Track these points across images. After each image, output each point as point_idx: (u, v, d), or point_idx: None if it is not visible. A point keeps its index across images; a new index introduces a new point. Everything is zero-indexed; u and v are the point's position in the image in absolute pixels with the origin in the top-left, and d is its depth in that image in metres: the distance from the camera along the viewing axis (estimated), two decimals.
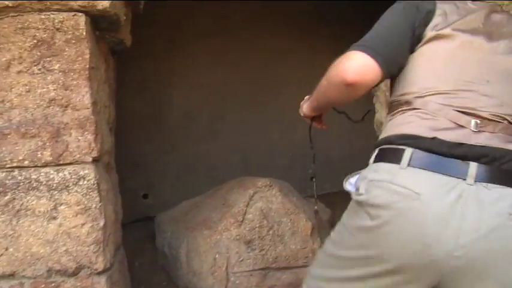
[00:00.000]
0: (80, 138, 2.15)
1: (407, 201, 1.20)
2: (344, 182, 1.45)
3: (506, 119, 1.33)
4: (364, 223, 1.28)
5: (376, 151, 1.39)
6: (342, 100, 1.45)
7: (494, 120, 1.31)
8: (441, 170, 1.21)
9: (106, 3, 2.18)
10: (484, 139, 1.28)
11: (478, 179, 1.20)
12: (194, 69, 4.66)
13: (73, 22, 2.16)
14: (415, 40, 1.40)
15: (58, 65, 2.15)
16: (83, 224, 2.13)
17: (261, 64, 4.86)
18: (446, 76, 1.35)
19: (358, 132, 4.63)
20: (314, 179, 1.95)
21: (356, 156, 4.71)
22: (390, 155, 1.31)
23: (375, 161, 1.37)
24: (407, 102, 1.38)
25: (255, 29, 4.81)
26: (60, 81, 2.15)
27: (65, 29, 2.16)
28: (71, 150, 2.15)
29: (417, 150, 1.26)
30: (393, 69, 1.41)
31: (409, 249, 1.19)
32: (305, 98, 1.80)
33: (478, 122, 1.29)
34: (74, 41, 2.17)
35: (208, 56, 4.69)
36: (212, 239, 2.79)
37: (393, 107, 1.45)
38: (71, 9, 2.16)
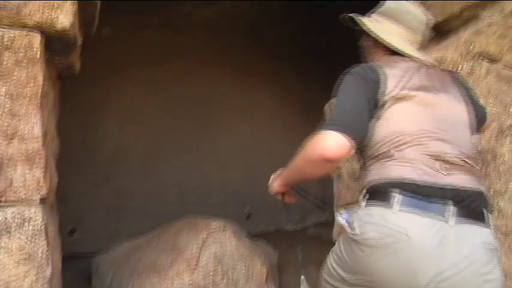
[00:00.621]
0: (27, 174, 1.83)
1: (400, 242, 1.36)
2: (336, 214, 1.58)
3: (468, 162, 1.53)
4: (361, 255, 1.43)
5: (366, 193, 1.53)
6: (319, 174, 1.53)
7: (458, 164, 1.50)
8: (426, 212, 1.39)
9: (66, 23, 1.91)
10: (453, 181, 1.46)
11: (457, 220, 1.40)
12: (131, 99, 4.37)
13: (26, 41, 1.87)
14: (372, 108, 1.56)
15: (4, 88, 1.84)
16: (26, 274, 1.79)
17: (199, 97, 4.67)
18: (412, 130, 1.52)
19: None
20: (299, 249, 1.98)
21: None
22: (381, 199, 1.46)
23: (366, 204, 1.51)
24: (386, 154, 1.53)
25: (194, 61, 4.63)
26: (7, 107, 1.83)
27: (16, 48, 1.86)
28: (15, 187, 1.82)
29: (404, 195, 1.42)
30: (362, 139, 1.56)
31: (397, 281, 1.37)
32: (272, 176, 1.86)
33: (447, 166, 1.48)
34: (25, 63, 1.87)
35: (146, 86, 4.44)
36: (162, 286, 2.50)
37: (371, 157, 1.59)
38: (24, 27, 1.87)
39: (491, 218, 1.51)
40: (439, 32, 2.81)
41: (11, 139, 1.83)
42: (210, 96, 4.67)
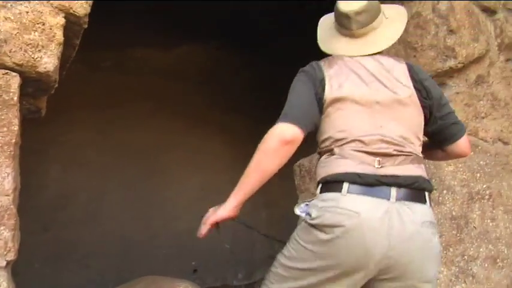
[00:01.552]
0: None
1: (351, 219, 1.51)
2: (295, 208, 1.67)
3: (406, 152, 1.64)
4: (320, 238, 1.54)
5: (320, 185, 1.65)
6: (278, 164, 1.62)
7: (396, 155, 1.62)
8: (371, 194, 1.55)
9: (50, 66, 1.68)
10: (393, 172, 1.59)
11: (397, 199, 1.55)
12: (76, 143, 4.05)
13: (2, 82, 1.62)
14: (319, 105, 1.67)
15: None
16: None
17: (148, 145, 4.42)
18: (352, 128, 1.64)
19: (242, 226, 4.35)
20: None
21: (239, 249, 4.40)
22: (333, 187, 1.59)
23: (320, 192, 1.63)
24: (330, 151, 1.66)
25: (145, 107, 4.41)
26: None
27: None
28: None
29: (350, 182, 1.56)
30: (311, 129, 1.67)
31: (355, 255, 1.51)
32: (210, 211, 1.81)
33: (385, 160, 1.60)
34: None
35: (93, 131, 4.14)
36: None
37: (321, 153, 1.72)
38: (1, 66, 1.63)
39: (430, 197, 1.67)
40: None
41: None
42: (160, 144, 4.44)
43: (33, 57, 1.64)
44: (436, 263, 1.64)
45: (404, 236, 1.52)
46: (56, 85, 1.88)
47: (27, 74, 1.66)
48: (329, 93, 1.66)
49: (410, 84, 1.72)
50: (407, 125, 1.69)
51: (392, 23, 1.87)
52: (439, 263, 1.70)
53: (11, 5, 1.63)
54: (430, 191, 1.66)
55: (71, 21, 1.76)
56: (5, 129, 1.61)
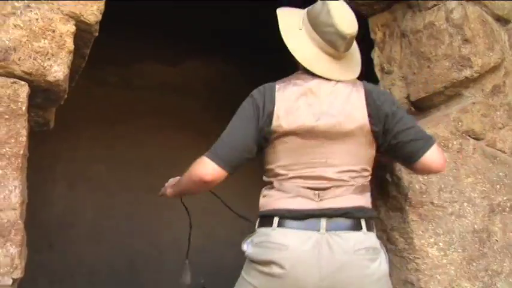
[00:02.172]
0: None
1: (280, 252, 1.53)
2: (242, 244, 1.69)
3: (344, 185, 1.63)
4: (258, 272, 1.57)
5: (258, 219, 1.68)
6: (198, 192, 1.79)
7: (334, 186, 1.62)
8: (300, 227, 1.56)
9: (60, 75, 1.60)
10: (328, 205, 1.59)
11: (328, 229, 1.56)
12: (82, 159, 3.97)
13: (10, 91, 1.53)
14: (262, 137, 1.65)
15: None
16: None
17: (154, 161, 4.32)
18: (294, 164, 1.63)
19: None
20: None
21: None
22: (266, 222, 1.62)
23: (257, 227, 1.66)
24: (271, 183, 1.67)
25: (151, 123, 4.32)
26: None
27: None
28: None
29: (281, 217, 1.59)
30: (237, 166, 1.66)
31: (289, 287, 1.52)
32: (169, 182, 2.07)
33: (323, 193, 1.61)
34: (7, 116, 1.52)
35: (100, 146, 4.05)
36: None
37: (264, 182, 1.72)
38: (10, 75, 1.54)
39: (371, 224, 1.68)
40: (420, 107, 2.74)
41: None
42: (167, 159, 4.33)
43: (42, 66, 1.56)
44: None
45: (335, 265, 1.53)
46: (66, 96, 1.80)
47: (36, 83, 1.58)
48: (276, 127, 1.63)
49: (364, 112, 1.67)
50: (355, 157, 1.68)
51: (355, 46, 1.83)
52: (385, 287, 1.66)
53: (20, 12, 1.55)
54: (368, 218, 1.66)
55: (81, 29, 1.68)
56: (13, 140, 1.52)
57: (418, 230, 2.12)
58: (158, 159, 4.31)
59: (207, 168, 1.64)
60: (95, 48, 1.94)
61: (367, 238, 1.61)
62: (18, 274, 1.47)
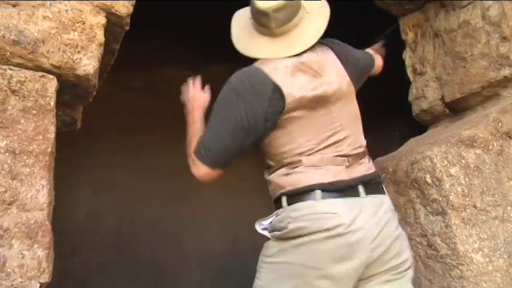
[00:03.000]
0: (25, 253, 1.34)
1: (333, 220, 1.48)
2: (256, 225, 1.63)
3: (359, 147, 1.65)
4: (302, 247, 1.49)
5: (284, 198, 1.55)
6: None
7: (355, 154, 1.62)
8: (344, 195, 1.53)
9: (90, 68, 1.50)
10: (357, 173, 1.59)
11: (367, 193, 1.57)
12: (105, 166, 3.88)
13: (38, 86, 1.44)
14: (264, 124, 1.55)
15: (6, 142, 1.38)
16: None
17: (178, 168, 4.19)
18: (313, 135, 1.57)
19: None
20: None
21: None
22: (302, 197, 1.53)
23: (288, 204, 1.54)
24: (293, 163, 1.56)
25: (175, 129, 4.21)
26: (6, 166, 1.36)
27: (25, 93, 1.42)
28: (9, 270, 1.31)
29: (322, 190, 1.52)
30: (227, 165, 1.60)
31: (343, 257, 1.48)
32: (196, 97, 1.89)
33: (349, 160, 1.60)
34: (35, 112, 1.43)
35: (123, 153, 3.97)
36: None
37: (279, 165, 1.60)
38: (38, 68, 1.44)
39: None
40: (455, 109, 2.61)
41: (8, 207, 1.35)
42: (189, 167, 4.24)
43: (72, 59, 1.47)
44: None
45: (381, 225, 1.54)
46: (94, 92, 1.70)
47: (65, 77, 1.49)
48: (286, 105, 1.54)
49: (343, 70, 1.68)
50: (355, 117, 1.70)
51: (315, 17, 1.70)
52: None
53: (50, 4, 1.46)
54: (382, 182, 1.71)
55: (112, 22, 1.59)
56: (41, 136, 1.42)
57: (462, 234, 1.98)
58: (182, 167, 4.19)
59: (200, 171, 1.61)
60: (119, 52, 1.86)
61: (389, 200, 1.66)
62: (45, 278, 1.36)
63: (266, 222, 1.61)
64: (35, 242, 1.36)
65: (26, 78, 1.41)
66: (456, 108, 2.61)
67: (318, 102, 1.59)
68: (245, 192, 4.37)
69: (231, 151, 1.57)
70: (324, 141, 1.59)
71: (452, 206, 1.99)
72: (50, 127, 1.44)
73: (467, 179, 2.06)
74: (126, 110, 4.00)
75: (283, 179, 1.59)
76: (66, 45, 1.46)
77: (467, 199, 2.03)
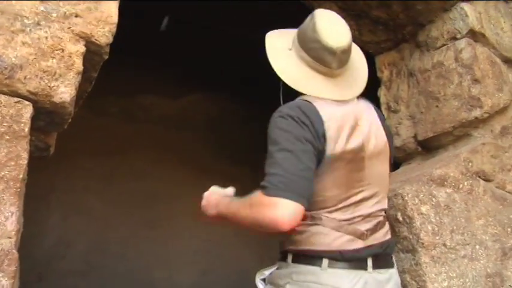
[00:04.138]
0: None
1: None
2: (257, 276, 1.57)
3: (382, 212, 1.59)
4: None
5: (291, 255, 1.49)
6: (262, 233, 1.42)
7: (376, 221, 1.54)
8: (351, 267, 1.45)
9: (66, 96, 1.50)
10: (372, 242, 1.51)
11: (374, 268, 1.49)
12: (77, 191, 3.83)
13: (13, 111, 1.43)
14: (317, 162, 1.41)
15: None
16: None
17: (151, 195, 4.19)
18: (341, 192, 1.47)
19: None
20: None
21: None
22: (309, 260, 1.46)
23: (293, 262, 1.48)
24: (313, 218, 1.46)
25: (150, 156, 4.21)
26: None
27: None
28: None
29: (330, 258, 1.44)
30: (311, 194, 1.39)
31: None
32: (212, 196, 1.66)
33: (367, 228, 1.50)
34: (8, 137, 1.41)
35: (96, 177, 3.92)
36: None
37: (307, 217, 1.46)
38: (14, 94, 1.44)
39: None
40: (427, 147, 2.67)
41: None
42: (164, 194, 4.21)
43: (49, 86, 1.46)
44: None
45: None
46: (70, 119, 1.69)
47: (41, 103, 1.48)
48: (330, 151, 1.42)
49: (381, 127, 1.62)
50: (385, 180, 1.62)
51: (359, 64, 1.66)
52: None
53: (30, 30, 1.46)
54: (393, 251, 1.65)
55: (91, 51, 1.60)
56: (13, 163, 1.41)
57: (431, 273, 2.00)
58: (156, 194, 4.19)
59: (288, 213, 1.29)
60: (97, 77, 1.85)
61: (397, 275, 1.62)
62: None
63: (267, 273, 1.57)
64: (0, 271, 1.32)
65: (1, 103, 1.41)
66: (428, 147, 2.67)
67: (354, 155, 1.48)
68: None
69: (310, 178, 1.36)
70: (349, 198, 1.48)
71: (423, 244, 2.02)
72: (22, 154, 1.42)
73: (437, 218, 2.10)
74: (101, 136, 3.98)
75: (297, 234, 1.48)
76: (44, 72, 1.46)
77: (437, 237, 2.06)
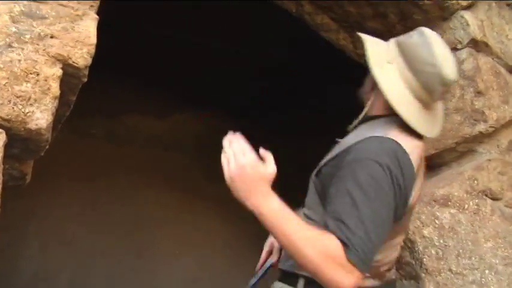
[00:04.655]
0: None
1: None
2: None
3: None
4: None
5: (303, 281, 1.43)
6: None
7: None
8: None
9: (43, 122, 1.51)
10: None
11: None
12: (58, 217, 3.83)
13: None
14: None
15: None
16: None
17: (135, 221, 4.19)
18: (387, 254, 1.49)
19: None
20: None
21: None
22: None
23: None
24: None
25: (137, 179, 4.22)
26: None
27: None
28: None
29: None
30: None
31: None
32: (256, 180, 1.29)
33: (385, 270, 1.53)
34: None
35: (78, 203, 3.93)
36: None
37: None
38: None
39: None
40: (430, 165, 2.68)
41: None
42: (151, 219, 4.22)
43: (23, 112, 1.48)
44: None
45: None
46: (47, 146, 1.70)
47: (14, 130, 1.49)
48: (403, 214, 1.42)
49: None
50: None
51: None
52: None
53: (1, 52, 1.48)
54: None
55: (68, 73, 1.61)
56: None
57: None
58: (143, 219, 4.19)
59: (354, 283, 1.24)
60: (79, 97, 1.87)
61: None
62: None
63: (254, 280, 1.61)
64: None
65: None
66: (431, 165, 2.68)
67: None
68: (209, 249, 4.36)
69: (378, 245, 1.30)
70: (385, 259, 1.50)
71: (426, 269, 2.04)
72: None
73: (441, 241, 2.11)
74: (84, 159, 4.00)
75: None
76: (18, 97, 1.47)
77: (442, 262, 2.08)
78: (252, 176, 1.29)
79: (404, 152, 1.36)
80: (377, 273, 1.48)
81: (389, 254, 1.51)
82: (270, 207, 1.27)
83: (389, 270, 1.56)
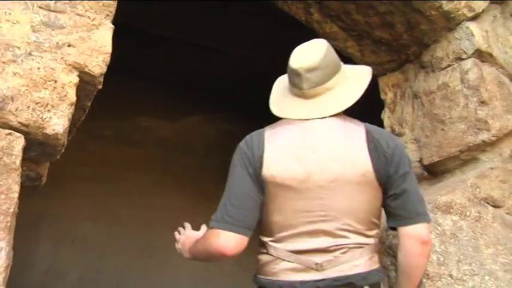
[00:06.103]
0: None
1: None
2: None
3: (347, 245, 1.55)
4: None
5: (255, 286, 1.62)
6: (216, 261, 1.74)
7: (335, 249, 1.53)
8: None
9: (59, 128, 1.57)
10: (329, 272, 1.51)
11: None
12: (71, 217, 3.88)
13: (4, 143, 1.50)
14: (258, 191, 1.56)
15: None
16: None
17: (146, 221, 4.23)
18: (287, 218, 1.55)
19: None
20: None
21: None
22: None
23: None
24: (264, 245, 1.60)
25: (147, 181, 4.27)
26: None
27: None
28: None
29: None
30: (254, 225, 1.58)
31: None
32: (184, 239, 1.89)
33: (321, 259, 1.52)
34: None
35: (90, 204, 3.98)
36: None
37: (259, 244, 1.65)
38: (5, 126, 1.51)
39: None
40: (433, 172, 2.71)
41: None
42: (162, 221, 4.25)
43: (41, 117, 1.53)
44: None
45: None
46: (63, 150, 1.76)
47: (32, 135, 1.55)
48: (267, 177, 1.56)
49: (366, 155, 1.57)
50: (357, 209, 1.57)
51: (353, 83, 1.70)
52: None
53: (21, 60, 1.54)
54: (373, 284, 1.56)
55: (84, 81, 1.67)
56: (3, 196, 1.47)
57: None
58: (153, 220, 4.24)
59: (226, 241, 1.53)
60: (92, 100, 1.92)
61: None
62: None
63: None
64: None
65: None
66: (434, 171, 2.71)
67: (305, 184, 1.55)
68: None
69: (250, 208, 1.55)
70: (295, 229, 1.56)
71: (427, 275, 2.06)
72: (14, 186, 1.49)
73: (443, 247, 2.14)
74: (96, 160, 4.05)
75: (258, 262, 1.65)
76: (36, 104, 1.53)
77: (442, 268, 2.10)
78: (184, 243, 1.86)
79: (261, 132, 1.64)
80: (304, 262, 1.53)
81: (289, 217, 1.55)
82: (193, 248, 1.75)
83: (332, 264, 1.54)
